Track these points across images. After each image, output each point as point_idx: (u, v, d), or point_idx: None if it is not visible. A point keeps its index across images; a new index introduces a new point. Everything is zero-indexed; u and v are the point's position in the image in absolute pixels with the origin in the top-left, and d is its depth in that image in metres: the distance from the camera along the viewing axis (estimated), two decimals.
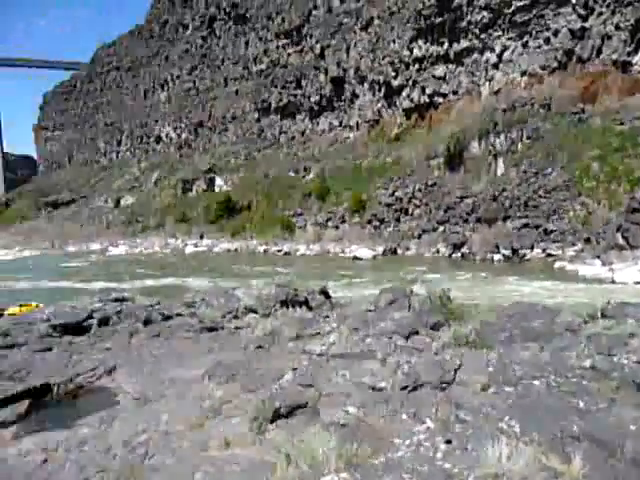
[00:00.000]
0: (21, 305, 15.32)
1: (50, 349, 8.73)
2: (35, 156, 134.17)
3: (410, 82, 55.48)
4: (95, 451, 5.77)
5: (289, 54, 68.56)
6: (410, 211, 44.97)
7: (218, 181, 66.31)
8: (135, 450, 5.68)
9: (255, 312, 10.30)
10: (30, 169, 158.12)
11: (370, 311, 8.95)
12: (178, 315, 10.43)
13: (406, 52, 55.30)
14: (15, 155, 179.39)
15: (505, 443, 3.36)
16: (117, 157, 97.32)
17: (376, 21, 57.83)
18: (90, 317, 9.75)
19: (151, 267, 37.80)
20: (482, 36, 49.60)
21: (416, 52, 54.57)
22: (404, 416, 4.62)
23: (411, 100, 55.67)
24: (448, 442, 3.70)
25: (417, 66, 54.80)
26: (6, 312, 14.22)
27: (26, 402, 7.39)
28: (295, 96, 66.74)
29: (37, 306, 14.46)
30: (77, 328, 9.52)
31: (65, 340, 9.22)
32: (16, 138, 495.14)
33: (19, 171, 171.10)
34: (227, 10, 76.62)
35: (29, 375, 7.96)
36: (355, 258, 40.47)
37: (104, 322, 9.81)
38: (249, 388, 6.59)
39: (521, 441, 3.45)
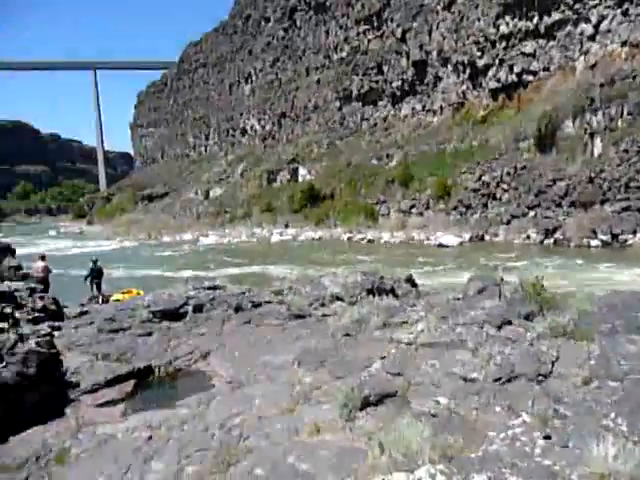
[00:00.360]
0: (124, 292, 16.42)
1: (151, 334, 9.32)
2: (132, 152, 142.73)
3: (497, 61, 53.03)
4: (194, 431, 6.10)
5: (369, 40, 67.81)
6: (498, 196, 43.19)
7: (301, 171, 67.18)
8: (231, 432, 5.94)
9: (342, 300, 10.38)
10: (128, 165, 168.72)
11: (458, 299, 8.74)
12: (267, 302, 10.74)
13: (492, 30, 52.86)
14: (115, 152, 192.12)
15: (611, 442, 3.16)
16: (206, 151, 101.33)
17: None
18: (186, 304, 10.29)
19: (239, 256, 39.16)
20: (576, 6, 46.35)
21: (503, 29, 52.01)
22: (498, 408, 4.48)
23: (498, 80, 53.24)
24: (547, 438, 3.54)
25: (504, 44, 52.23)
26: (112, 298, 15.34)
27: (131, 382, 7.96)
28: (377, 82, 65.99)
29: (138, 293, 15.45)
30: (174, 314, 10.08)
31: (164, 325, 9.80)
32: (115, 136, 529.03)
33: (118, 167, 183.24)
34: (307, 0, 77.01)
35: (133, 357, 8.55)
36: (440, 245, 39.58)
37: (198, 309, 10.31)
38: (338, 375, 6.67)
39: (630, 440, 3.23)
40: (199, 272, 30.05)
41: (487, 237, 40.63)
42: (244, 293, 11.35)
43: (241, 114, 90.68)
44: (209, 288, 11.51)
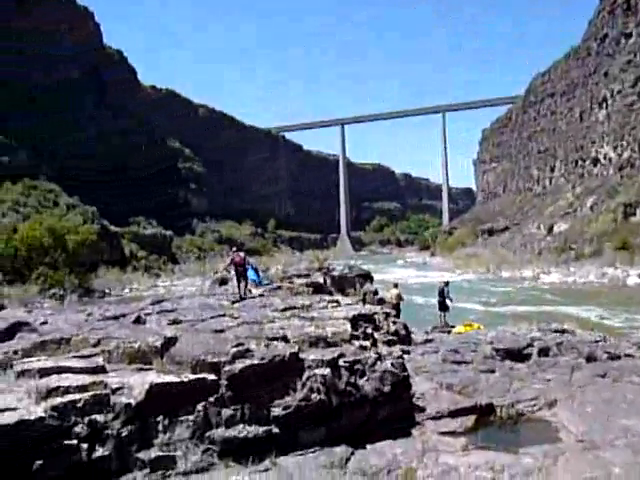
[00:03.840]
0: (466, 325, 16.70)
1: (493, 371, 9.18)
2: (474, 188, 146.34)
3: None
4: None
5: None
6: None
7: None
8: None
9: None
10: (469, 200, 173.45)
11: None
12: (627, 356, 9.34)
13: None
14: (457, 188, 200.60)
15: None
16: (550, 183, 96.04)
17: None
18: (530, 345, 9.80)
19: (587, 298, 35.36)
20: None
21: None
22: None
23: None
24: None
25: None
26: (454, 330, 15.81)
27: (472, 417, 7.96)
28: None
29: (479, 327, 15.50)
30: (518, 354, 9.72)
31: (506, 364, 9.54)
32: (458, 173, 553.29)
33: (460, 202, 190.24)
34: None
35: (475, 392, 8.56)
36: None
37: (544, 352, 9.68)
38: None
39: None
40: (541, 312, 28.35)
41: None
42: (598, 341, 10.14)
43: (593, 142, 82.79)
44: (556, 331, 10.71)
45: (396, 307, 16.05)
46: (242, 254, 13.81)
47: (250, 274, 13.89)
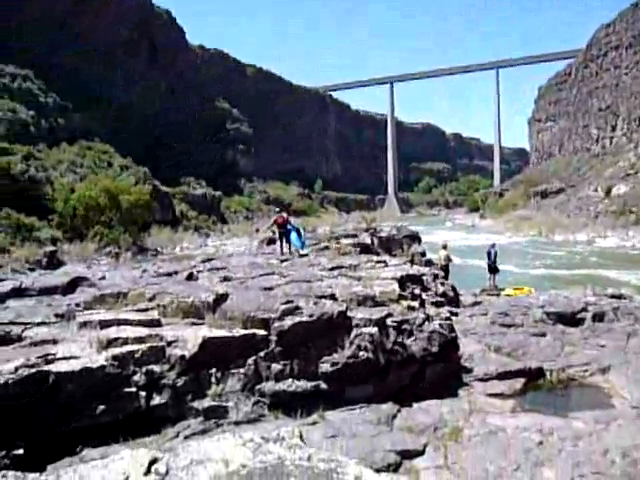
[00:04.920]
0: (515, 288, 16.38)
1: (544, 335, 9.02)
2: (527, 148, 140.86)
3: None
4: (590, 450, 5.60)
5: None
6: None
7: None
8: (636, 464, 5.22)
9: None
10: (522, 161, 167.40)
11: None
12: None
13: None
14: (510, 148, 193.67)
15: None
16: (610, 143, 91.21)
17: None
18: (584, 310, 9.54)
19: None
20: None
21: None
22: None
23: None
24: None
25: None
26: (503, 293, 15.55)
27: (521, 380, 7.88)
28: None
29: (529, 291, 15.18)
30: (570, 319, 9.49)
31: (558, 329, 9.34)
32: (511, 132, 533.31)
33: (512, 163, 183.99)
34: None
35: (524, 356, 8.45)
36: None
37: (599, 317, 9.42)
38: None
39: None
40: (595, 276, 27.46)
41: None
42: None
43: None
44: (612, 296, 10.35)
45: (445, 269, 15.88)
46: (285, 215, 14.00)
47: (292, 237, 13.94)
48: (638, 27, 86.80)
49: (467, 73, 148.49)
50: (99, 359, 5.68)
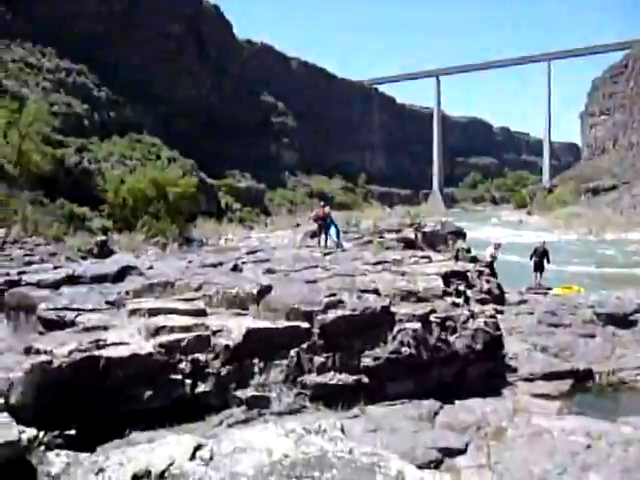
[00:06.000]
0: (564, 287, 15.91)
1: (593, 336, 8.74)
2: (579, 143, 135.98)
3: None
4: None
5: None
6: None
7: None
8: None
9: None
10: (573, 156, 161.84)
11: None
12: None
13: None
14: (560, 143, 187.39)
15: None
16: None
17: None
18: (637, 311, 9.18)
19: None
20: None
21: None
22: None
23: None
24: None
25: None
26: (551, 292, 15.13)
27: (569, 382, 7.67)
28: None
29: (579, 290, 14.72)
30: (622, 320, 9.15)
31: (608, 330, 9.04)
32: (562, 127, 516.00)
33: (563, 158, 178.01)
34: None
35: (572, 357, 8.22)
36: None
37: None
38: None
39: None
40: None
41: None
42: None
43: None
44: None
45: (490, 266, 15.54)
46: (327, 209, 14.23)
47: (332, 232, 14.05)
48: None
49: (518, 65, 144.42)
50: (147, 346, 5.85)
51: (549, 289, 15.85)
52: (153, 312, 6.73)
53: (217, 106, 77.98)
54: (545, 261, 17.58)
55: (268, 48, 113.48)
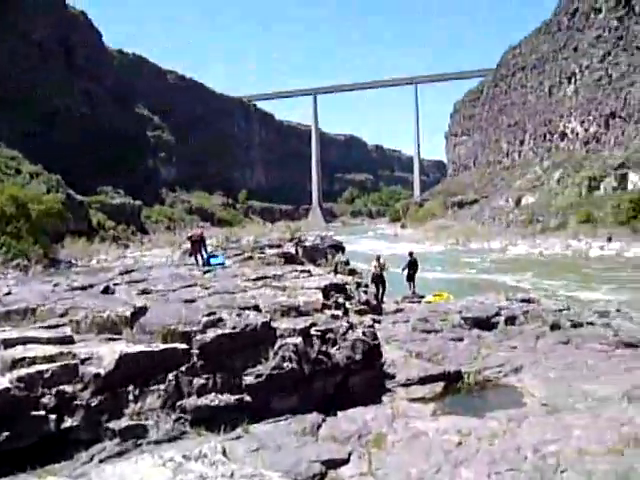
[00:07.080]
0: (435, 294, 16.95)
1: (461, 339, 9.38)
2: (445, 160, 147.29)
3: None
4: (505, 448, 5.86)
5: None
6: None
7: (632, 177, 58.37)
8: (545, 459, 5.50)
9: None
10: (440, 172, 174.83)
11: None
12: (589, 324, 9.67)
13: None
14: (429, 160, 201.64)
15: None
16: (519, 157, 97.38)
17: None
18: (498, 314, 10.04)
19: (551, 268, 36.38)
20: None
21: None
22: None
23: None
24: None
25: None
26: (424, 300, 16.04)
27: (441, 384, 8.14)
28: None
29: (448, 297, 15.76)
30: (485, 323, 9.95)
31: (474, 333, 9.75)
32: (430, 145, 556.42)
33: (431, 175, 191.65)
34: None
35: (444, 360, 8.74)
36: None
37: (510, 321, 9.94)
38: None
39: None
40: (508, 282, 29.05)
41: None
42: (561, 310, 10.45)
43: (561, 117, 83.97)
44: (522, 300, 10.97)
45: (380, 276, 15.96)
46: (199, 231, 14.56)
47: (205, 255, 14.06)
48: (541, 50, 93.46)
49: (388, 87, 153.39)
50: (3, 381, 5.26)
51: (422, 297, 16.81)
52: (10, 343, 6.07)
53: (87, 118, 73.39)
54: (413, 271, 18.53)
55: (142, 59, 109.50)
